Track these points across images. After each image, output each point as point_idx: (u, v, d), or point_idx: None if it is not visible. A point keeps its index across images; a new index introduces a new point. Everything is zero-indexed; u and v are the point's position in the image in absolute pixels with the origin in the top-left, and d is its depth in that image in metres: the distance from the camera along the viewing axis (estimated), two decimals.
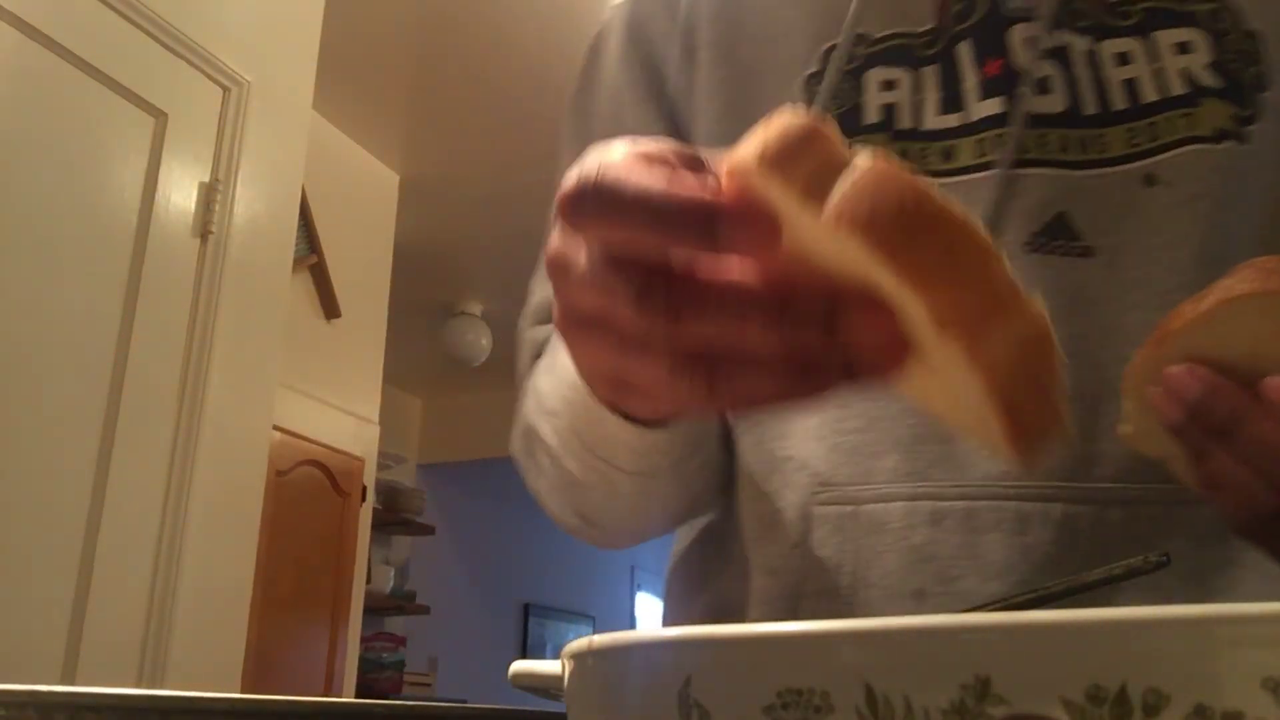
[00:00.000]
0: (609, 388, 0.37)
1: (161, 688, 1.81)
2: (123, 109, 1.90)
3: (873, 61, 0.57)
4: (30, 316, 1.70)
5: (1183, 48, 0.53)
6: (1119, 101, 0.53)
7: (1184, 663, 0.14)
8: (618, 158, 0.30)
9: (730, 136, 0.58)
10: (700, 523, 0.63)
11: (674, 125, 0.63)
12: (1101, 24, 0.54)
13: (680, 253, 0.30)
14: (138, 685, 1.84)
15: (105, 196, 1.86)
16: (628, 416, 0.45)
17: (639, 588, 7.89)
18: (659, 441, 0.48)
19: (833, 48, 0.58)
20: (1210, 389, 0.35)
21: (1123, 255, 0.51)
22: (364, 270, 3.54)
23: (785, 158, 0.28)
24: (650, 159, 0.30)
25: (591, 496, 0.58)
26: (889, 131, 0.55)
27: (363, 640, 3.82)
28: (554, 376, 0.53)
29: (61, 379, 1.74)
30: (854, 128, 0.56)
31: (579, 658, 0.21)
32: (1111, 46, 0.54)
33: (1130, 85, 0.53)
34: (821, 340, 0.29)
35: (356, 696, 3.41)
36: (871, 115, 0.56)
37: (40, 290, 1.72)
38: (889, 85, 0.56)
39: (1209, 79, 0.52)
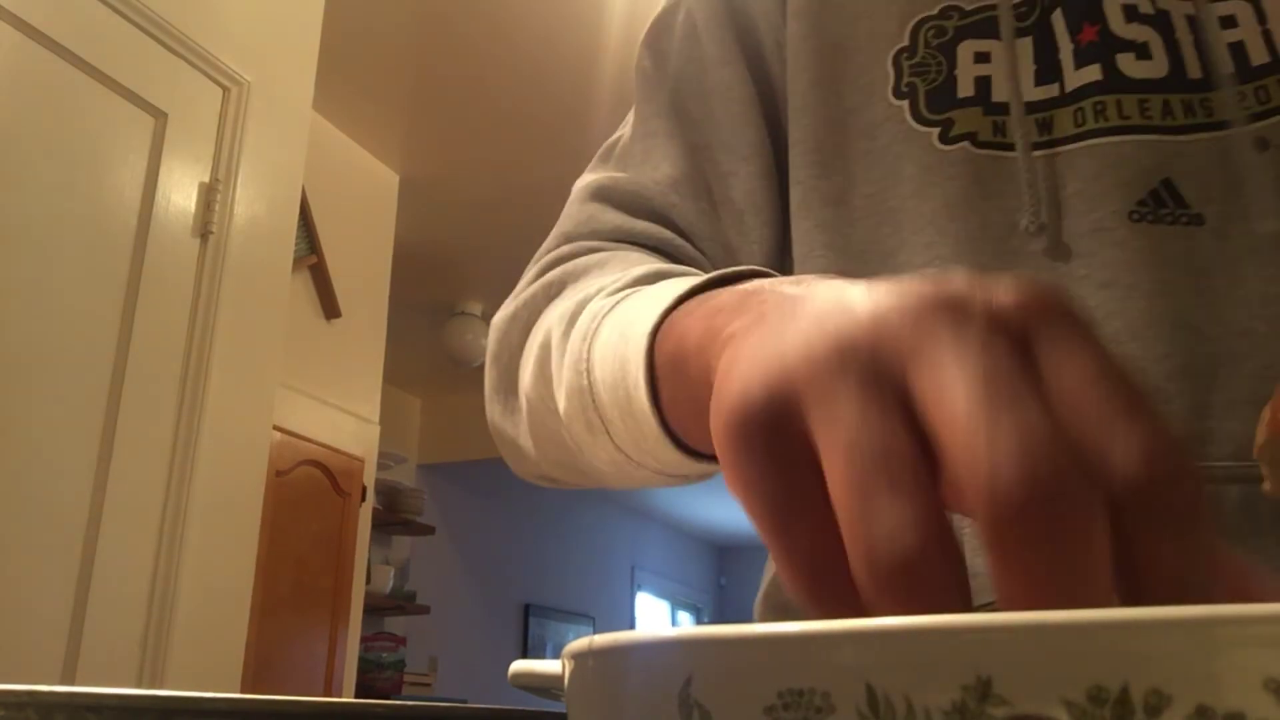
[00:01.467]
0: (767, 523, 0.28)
1: (161, 688, 1.81)
2: (123, 109, 1.90)
3: (964, 34, 0.55)
4: (30, 316, 1.70)
5: None
6: (1225, 65, 0.50)
7: (1186, 663, 0.14)
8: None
9: (819, 111, 0.58)
10: None
11: (764, 86, 0.61)
12: None
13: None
14: (138, 685, 1.84)
15: (105, 196, 1.86)
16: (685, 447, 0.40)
17: (639, 588, 7.89)
18: (704, 468, 0.43)
19: (922, 22, 0.56)
20: None
21: (1234, 223, 0.49)
22: (364, 270, 3.54)
23: None
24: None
25: (576, 463, 0.54)
26: (984, 105, 0.54)
27: (363, 640, 3.82)
28: (599, 344, 0.45)
29: (61, 379, 1.74)
30: (947, 101, 0.54)
31: (579, 658, 0.21)
32: (1216, 10, 0.52)
33: (1237, 48, 0.51)
34: None
35: (356, 696, 3.41)
36: (965, 88, 0.54)
37: (40, 290, 1.72)
38: (982, 58, 0.55)
39: None
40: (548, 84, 3.24)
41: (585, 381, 0.46)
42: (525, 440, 0.58)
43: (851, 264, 0.56)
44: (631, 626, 6.47)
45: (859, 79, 0.58)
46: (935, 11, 0.56)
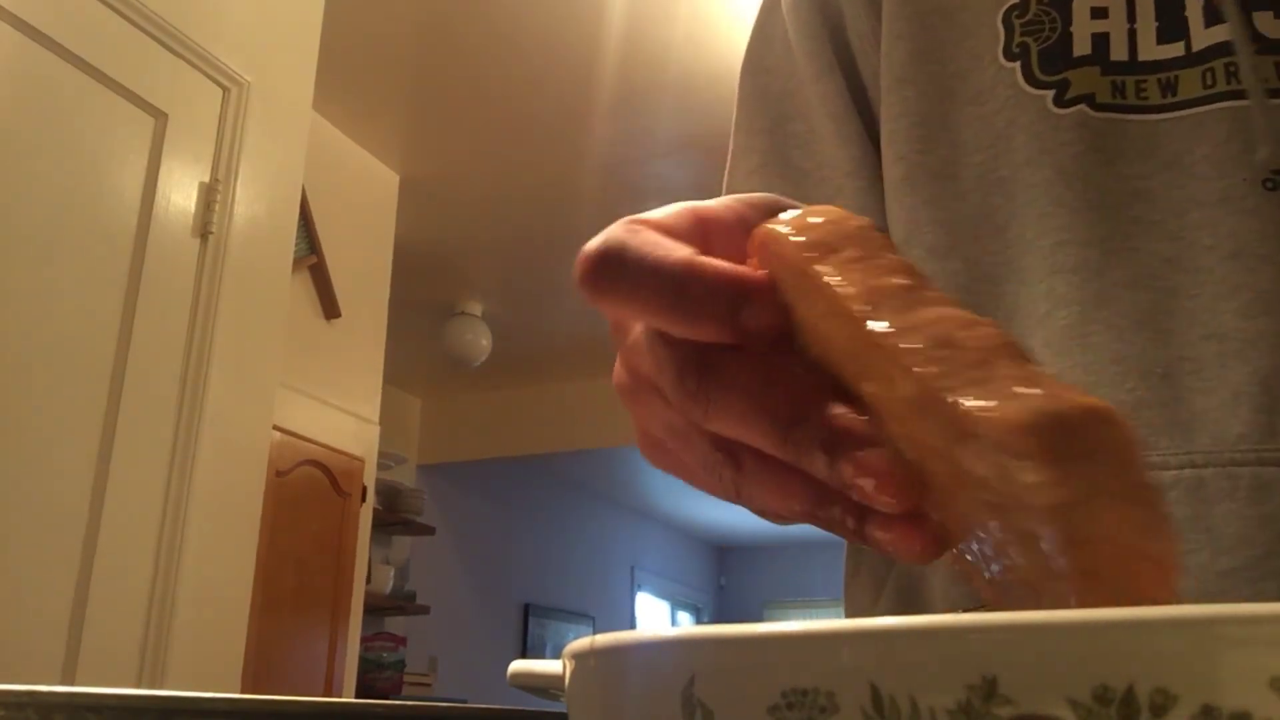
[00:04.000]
0: (653, 451, 0.34)
1: (161, 688, 1.81)
2: (123, 109, 1.90)
3: None
4: (30, 316, 1.70)
5: None
6: None
7: (1192, 663, 0.14)
8: (640, 236, 0.28)
9: (921, 82, 0.56)
10: None
11: (853, 80, 0.59)
12: None
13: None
14: (138, 685, 1.84)
15: (105, 196, 1.86)
16: None
17: (639, 588, 7.89)
18: None
19: None
20: None
21: None
22: (364, 270, 3.54)
23: (836, 254, 0.25)
24: (678, 232, 0.29)
25: None
26: (1101, 64, 0.50)
27: (363, 640, 3.82)
28: None
29: (61, 379, 1.74)
30: (1063, 61, 0.51)
31: (580, 657, 0.21)
32: None
33: None
34: (826, 472, 0.25)
35: (356, 696, 3.41)
36: (1082, 46, 0.51)
37: (40, 290, 1.72)
38: (1100, 13, 0.51)
39: None
40: (548, 84, 3.24)
41: None
42: None
43: (961, 239, 0.53)
44: (632, 626, 6.47)
45: (965, 41, 0.54)
46: None
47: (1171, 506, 0.44)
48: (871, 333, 0.24)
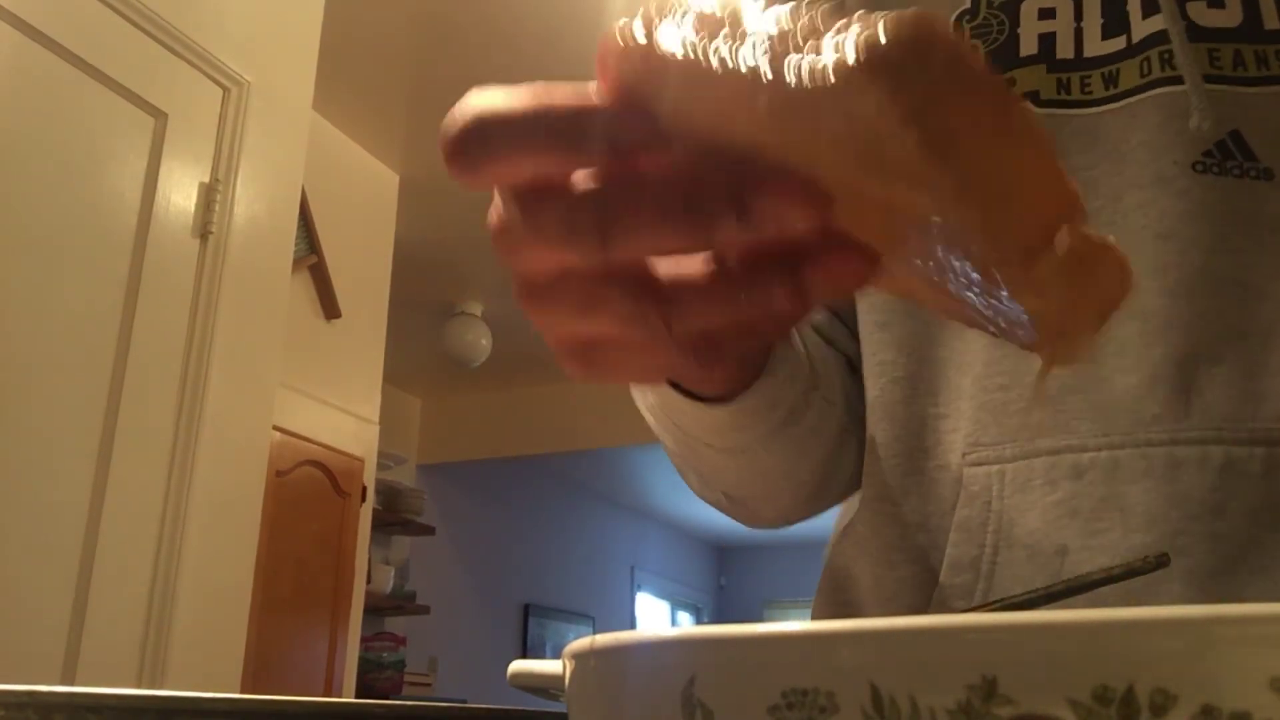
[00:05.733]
0: (579, 362, 0.33)
1: (161, 688, 1.81)
2: (123, 109, 1.90)
3: None
4: (30, 316, 1.70)
5: None
6: None
7: (1191, 663, 0.14)
8: (483, 96, 0.28)
9: None
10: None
11: None
12: None
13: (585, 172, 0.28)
14: (138, 685, 1.84)
15: (105, 196, 1.85)
16: (689, 394, 0.44)
17: (639, 588, 7.89)
18: (724, 418, 0.46)
19: None
20: None
21: None
22: (364, 270, 3.54)
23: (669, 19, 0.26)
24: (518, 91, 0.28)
25: (710, 474, 0.56)
26: (1048, 62, 0.52)
27: (363, 640, 3.82)
28: None
29: (61, 379, 1.74)
30: (1010, 60, 0.53)
31: (581, 657, 0.21)
32: None
33: None
34: (740, 229, 0.26)
35: (356, 696, 3.41)
36: (1029, 46, 0.53)
37: (40, 290, 1.72)
38: (1048, 14, 0.53)
39: None
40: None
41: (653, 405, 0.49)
42: (677, 463, 0.59)
43: None
44: (632, 626, 6.47)
45: None
46: None
47: (1088, 488, 0.45)
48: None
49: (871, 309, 0.56)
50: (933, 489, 0.51)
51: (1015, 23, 0.53)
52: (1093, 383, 0.47)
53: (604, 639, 0.20)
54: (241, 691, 2.09)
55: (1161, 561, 0.34)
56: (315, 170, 2.85)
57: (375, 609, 4.53)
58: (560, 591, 6.81)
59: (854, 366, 0.59)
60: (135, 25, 1.93)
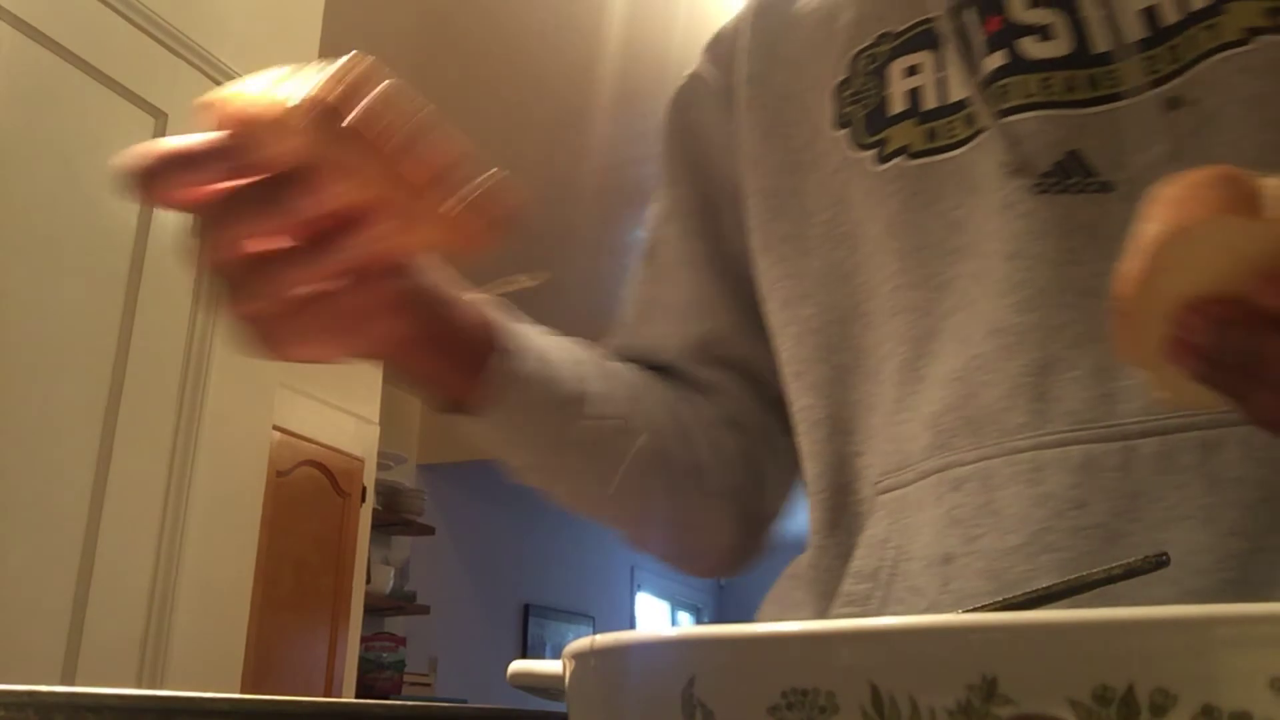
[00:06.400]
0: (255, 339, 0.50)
1: (161, 688, 1.81)
2: (123, 109, 1.90)
3: (896, 54, 0.58)
4: (30, 316, 1.70)
5: None
6: (1136, 32, 0.51)
7: (1191, 663, 0.14)
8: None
9: (770, 159, 0.63)
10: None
11: (699, 179, 0.69)
12: None
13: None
14: (138, 685, 1.84)
15: (105, 196, 1.85)
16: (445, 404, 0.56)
17: (639, 588, 7.89)
18: (486, 430, 0.59)
19: (859, 53, 0.59)
20: (1218, 325, 0.32)
21: (1143, 186, 0.46)
22: None
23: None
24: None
25: (602, 517, 0.64)
26: (917, 115, 0.56)
27: (363, 640, 3.82)
28: None
29: (61, 379, 1.74)
30: (882, 121, 0.57)
31: (581, 658, 0.21)
32: None
33: (1149, 13, 0.51)
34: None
35: (356, 697, 3.41)
36: (898, 104, 0.56)
37: (40, 290, 1.72)
38: (912, 71, 0.57)
39: None
40: (547, 87, 3.24)
41: None
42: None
43: (812, 290, 0.59)
44: (631, 626, 6.46)
45: (805, 118, 0.62)
46: (871, 40, 0.59)
47: (966, 498, 0.49)
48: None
49: (789, 361, 0.61)
50: (855, 521, 0.56)
51: (885, 84, 0.58)
52: (964, 400, 0.50)
53: (604, 639, 0.20)
54: (241, 692, 2.09)
55: (1161, 561, 0.34)
56: None
57: (375, 609, 4.53)
58: (560, 591, 6.81)
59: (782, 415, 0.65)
60: (135, 25, 1.93)
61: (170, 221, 1.96)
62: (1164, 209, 0.31)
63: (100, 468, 1.77)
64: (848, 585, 0.54)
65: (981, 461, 0.49)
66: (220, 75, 2.10)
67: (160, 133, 1.96)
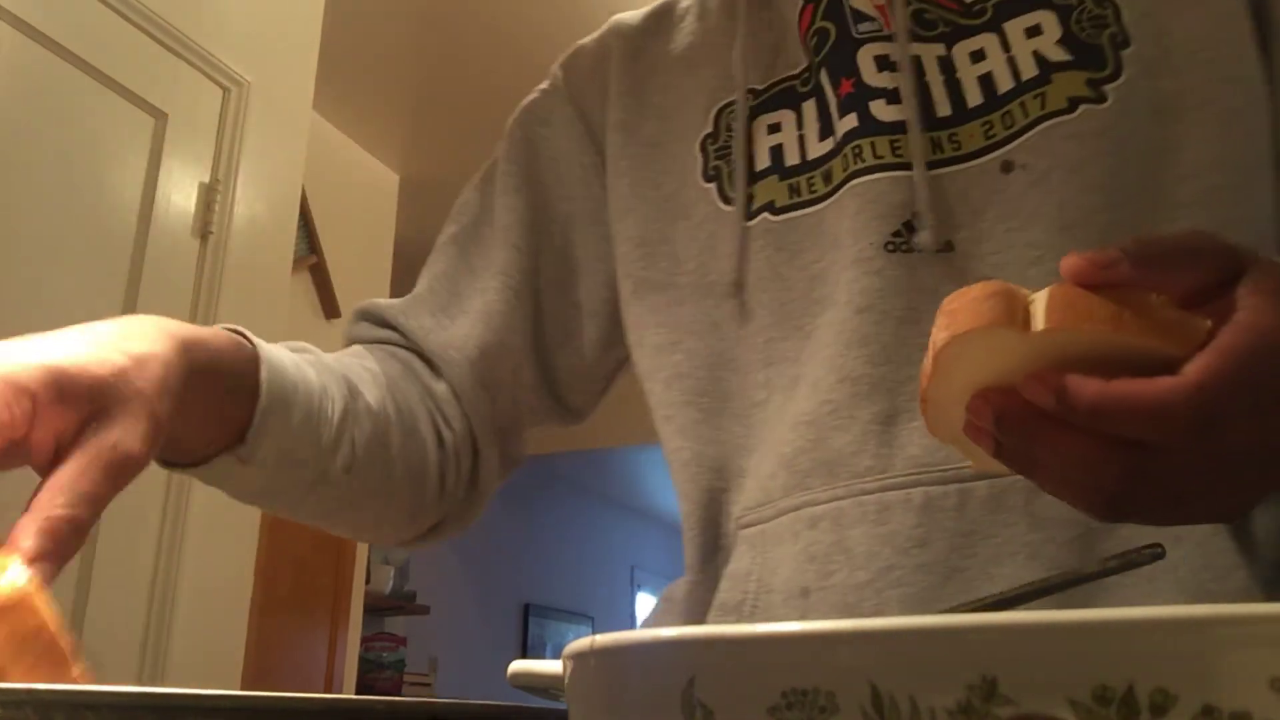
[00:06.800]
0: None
1: (161, 686, 1.81)
2: (123, 109, 1.90)
3: (760, 110, 0.61)
4: (30, 316, 1.70)
5: (1032, 31, 0.54)
6: (974, 98, 0.55)
7: (1191, 663, 0.14)
8: None
9: (641, 207, 0.64)
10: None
11: (537, 198, 0.70)
12: (955, 27, 0.56)
13: None
14: (138, 684, 1.84)
15: (105, 196, 1.85)
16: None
17: (639, 588, 7.89)
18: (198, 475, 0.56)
19: (724, 108, 0.62)
20: (996, 416, 0.35)
21: (981, 245, 0.53)
22: (364, 270, 3.54)
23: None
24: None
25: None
26: (780, 171, 0.59)
27: (363, 640, 3.82)
28: None
29: None
30: (747, 176, 0.60)
31: (581, 657, 0.21)
32: (966, 47, 0.56)
33: (986, 80, 0.55)
34: None
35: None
36: (762, 160, 0.60)
37: (41, 290, 1.72)
38: (775, 128, 0.60)
39: (1059, 54, 0.54)
40: None
41: None
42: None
43: (683, 336, 0.61)
44: (632, 626, 6.44)
45: (674, 168, 0.64)
46: (734, 96, 0.62)
47: (821, 535, 0.52)
48: None
49: (659, 405, 0.63)
50: (724, 555, 0.59)
51: (749, 141, 0.60)
52: (814, 443, 0.53)
53: (604, 639, 0.20)
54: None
55: (1156, 553, 0.35)
56: (315, 170, 2.85)
57: (375, 609, 4.52)
58: (560, 591, 6.81)
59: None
60: (135, 25, 1.93)
61: (170, 221, 1.96)
62: (946, 318, 0.35)
63: None
64: (712, 616, 0.57)
65: (834, 502, 0.52)
66: (220, 75, 2.10)
67: (160, 133, 1.96)
